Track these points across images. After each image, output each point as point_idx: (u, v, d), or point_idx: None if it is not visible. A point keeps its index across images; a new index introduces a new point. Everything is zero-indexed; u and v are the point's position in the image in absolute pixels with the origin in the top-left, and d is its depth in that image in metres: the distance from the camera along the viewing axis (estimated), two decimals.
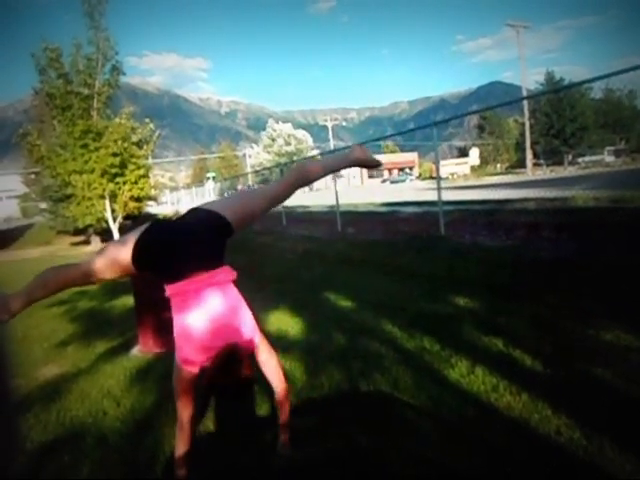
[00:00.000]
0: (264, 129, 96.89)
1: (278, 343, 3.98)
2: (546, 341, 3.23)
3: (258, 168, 74.89)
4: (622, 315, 3.50)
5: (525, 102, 34.03)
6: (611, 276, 4.50)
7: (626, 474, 1.86)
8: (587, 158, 42.56)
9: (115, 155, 10.97)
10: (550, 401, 2.44)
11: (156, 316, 4.26)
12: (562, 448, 2.09)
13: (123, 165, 11.34)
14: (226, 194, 41.18)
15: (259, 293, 6.16)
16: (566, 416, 2.30)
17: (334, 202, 11.52)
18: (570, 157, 44.17)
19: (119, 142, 11.04)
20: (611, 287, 4.20)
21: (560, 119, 43.21)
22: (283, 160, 75.50)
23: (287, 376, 3.23)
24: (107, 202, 11.57)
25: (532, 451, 2.10)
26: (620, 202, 8.02)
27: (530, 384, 2.64)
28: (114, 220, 11.89)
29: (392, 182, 58.17)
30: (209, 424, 2.72)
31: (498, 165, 55.58)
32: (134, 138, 11.97)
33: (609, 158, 40.74)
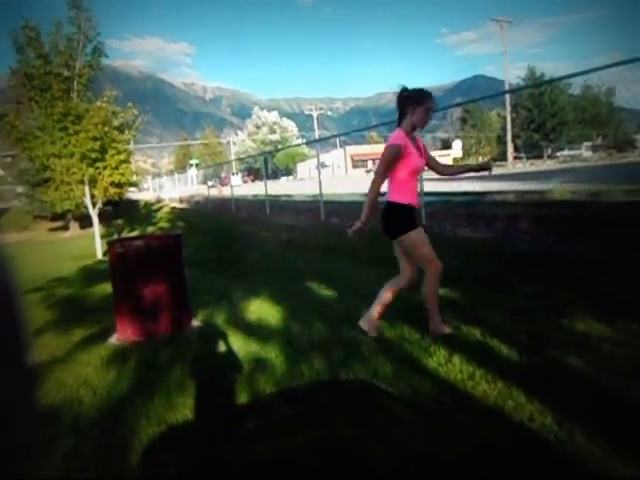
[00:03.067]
0: (249, 116, 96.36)
1: (259, 332, 3.98)
2: (522, 331, 3.30)
3: (242, 156, 74.43)
4: (595, 305, 3.61)
5: (507, 96, 34.38)
6: (585, 268, 4.60)
7: (595, 459, 1.91)
8: (566, 152, 43.20)
9: (95, 139, 10.70)
10: (524, 389, 2.49)
11: (134, 304, 4.22)
12: (535, 434, 2.14)
13: (103, 150, 11.07)
14: (209, 182, 40.83)
15: (241, 282, 6.14)
16: (539, 403, 2.35)
17: (318, 191, 11.48)
18: (549, 151, 44.83)
19: (100, 126, 10.76)
20: (585, 278, 4.31)
21: (541, 114, 43.86)
22: (268, 148, 75.14)
23: (266, 365, 3.24)
24: (86, 187, 11.31)
25: (507, 437, 2.15)
26: (596, 196, 8.15)
27: (505, 372, 2.70)
28: (94, 206, 11.64)
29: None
30: (188, 413, 2.70)
31: (480, 157, 56.05)
32: (115, 122, 11.68)
33: (587, 153, 41.43)
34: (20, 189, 27.82)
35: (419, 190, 7.82)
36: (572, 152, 42.46)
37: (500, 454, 2.04)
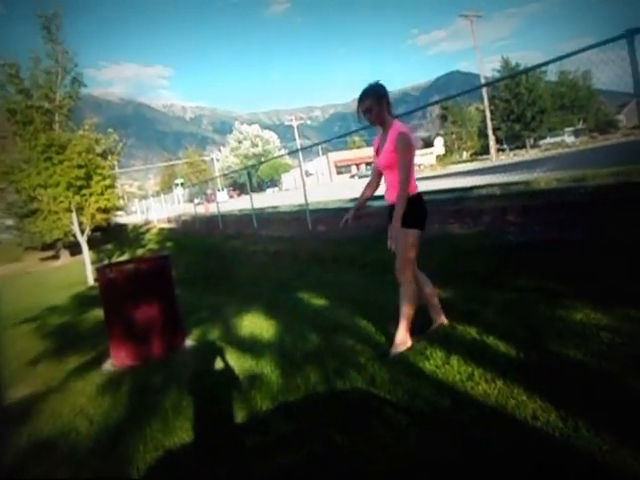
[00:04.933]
0: (230, 132, 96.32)
1: (253, 347, 3.95)
2: (518, 325, 3.25)
3: (226, 172, 74.37)
4: (590, 294, 3.55)
5: (484, 89, 34.54)
6: (576, 255, 4.60)
7: (602, 453, 1.88)
8: (548, 140, 43.35)
9: (80, 167, 10.73)
10: (525, 386, 2.45)
11: (127, 329, 4.18)
12: (539, 431, 2.10)
13: (88, 177, 11.10)
14: (196, 200, 40.71)
15: (232, 297, 6.10)
16: (541, 399, 2.31)
17: (304, 201, 11.48)
18: (532, 140, 45.03)
19: (83, 154, 10.80)
20: (577, 266, 4.28)
21: (519, 104, 44.03)
22: (251, 162, 75.16)
23: (262, 380, 3.21)
24: (74, 215, 11.29)
25: (510, 437, 2.11)
26: (581, 181, 8.21)
27: (504, 370, 2.66)
28: (82, 233, 11.61)
29: (360, 177, 58.41)
30: (186, 436, 2.66)
31: (464, 153, 56.31)
32: (98, 149, 11.71)
33: (569, 139, 41.50)
34: (9, 222, 27.66)
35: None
36: (554, 139, 42.56)
37: (504, 454, 2.01)
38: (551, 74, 45.19)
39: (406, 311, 3.25)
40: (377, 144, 3.41)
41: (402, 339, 3.25)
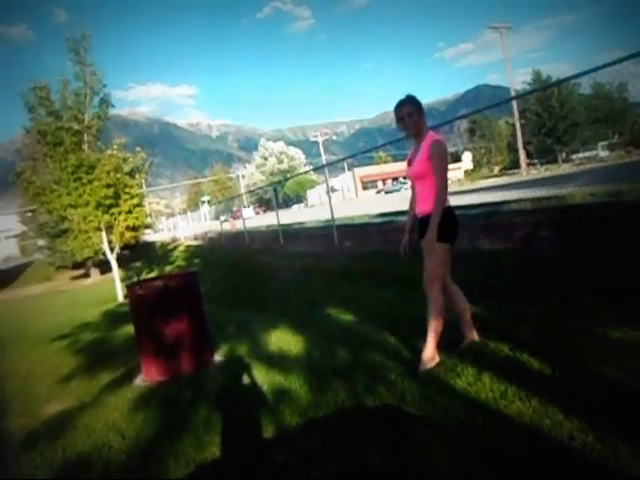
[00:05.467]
0: (256, 149, 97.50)
1: (281, 363, 3.95)
2: (552, 343, 3.17)
3: (252, 188, 75.15)
4: (627, 311, 3.44)
5: (514, 103, 34.10)
6: (612, 271, 4.46)
7: None
8: (581, 154, 42.26)
9: (109, 186, 11.00)
10: (561, 405, 2.38)
11: (157, 344, 4.23)
12: (576, 453, 2.03)
13: (117, 196, 11.37)
14: (222, 217, 41.21)
15: (260, 313, 6.13)
16: (578, 420, 2.23)
17: (330, 216, 11.52)
18: (564, 155, 44.09)
19: (112, 173, 11.08)
20: (614, 282, 4.15)
21: (551, 117, 43.18)
22: (276, 178, 75.83)
23: (291, 396, 3.20)
24: (104, 234, 11.56)
25: (545, 457, 2.05)
26: (617, 196, 8.00)
27: (539, 388, 2.58)
28: (112, 251, 11.86)
29: (386, 192, 58.27)
30: (216, 451, 2.67)
31: (495, 168, 55.45)
32: (126, 168, 11.99)
33: (603, 153, 40.32)
34: (41, 242, 28.52)
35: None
36: (588, 154, 41.52)
37: (539, 476, 1.96)
38: (585, 86, 44.37)
39: (434, 326, 3.19)
40: (410, 155, 3.40)
41: (430, 355, 3.20)
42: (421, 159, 3.18)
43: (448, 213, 3.21)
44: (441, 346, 3.27)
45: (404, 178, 67.48)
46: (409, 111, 3.19)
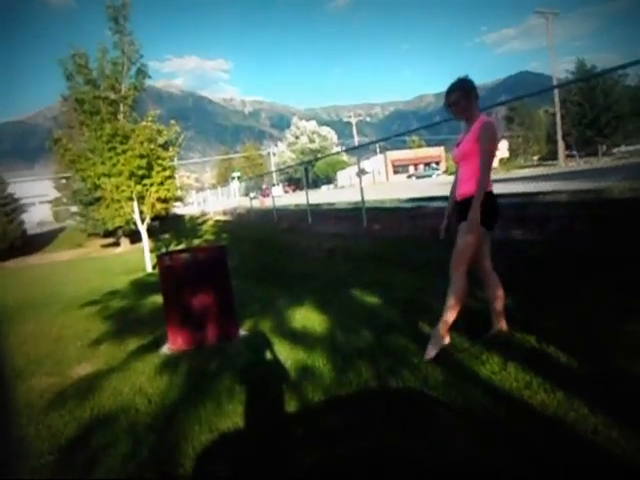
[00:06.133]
0: (288, 127, 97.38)
1: (305, 340, 3.99)
2: (581, 338, 3.12)
3: (282, 166, 75.22)
4: None
5: (555, 92, 33.03)
6: None
7: None
8: (623, 148, 40.95)
9: (142, 157, 11.12)
10: (586, 399, 2.35)
11: (183, 315, 4.32)
12: (599, 447, 2.01)
13: (150, 167, 11.49)
14: (251, 194, 41.45)
15: (285, 290, 6.18)
16: (603, 414, 2.21)
17: (359, 199, 11.46)
18: (605, 147, 42.62)
19: (145, 144, 11.18)
20: None
21: (593, 108, 41.58)
22: (307, 158, 75.68)
23: (314, 373, 3.23)
24: (135, 204, 11.74)
25: (568, 449, 2.04)
26: None
27: (565, 381, 2.55)
28: (142, 221, 12.06)
29: (418, 177, 57.60)
30: (238, 421, 2.73)
31: (535, 157, 53.88)
32: (160, 140, 12.07)
33: None
34: (74, 209, 29.16)
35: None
36: (630, 147, 40.17)
37: (559, 467, 1.95)
38: (632, 78, 42.62)
39: (451, 307, 3.17)
40: (460, 138, 3.34)
41: (441, 334, 3.20)
42: (469, 139, 3.13)
43: (489, 198, 3.16)
44: (465, 332, 3.24)
45: (436, 164, 66.70)
46: (455, 99, 3.16)
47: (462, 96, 3.14)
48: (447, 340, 3.22)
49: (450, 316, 3.19)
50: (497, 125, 3.13)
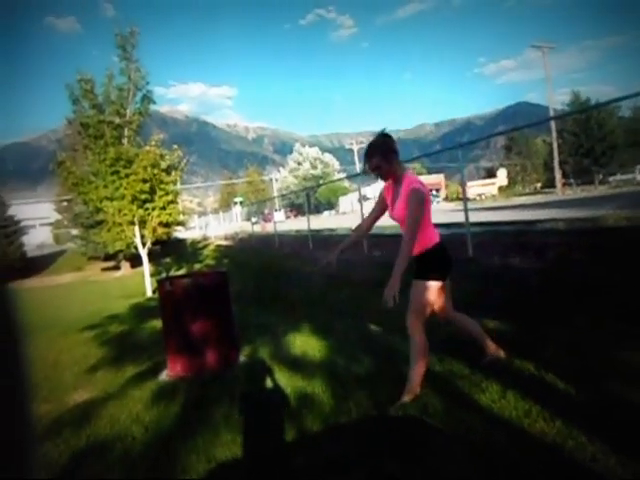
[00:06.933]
0: (291, 153, 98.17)
1: (305, 367, 3.97)
2: (579, 365, 3.12)
3: (284, 192, 75.64)
4: None
5: (552, 122, 33.62)
6: None
7: None
8: (618, 177, 41.68)
9: (145, 181, 11.19)
10: (585, 427, 2.35)
11: (183, 341, 4.30)
12: (597, 475, 2.02)
13: (152, 191, 11.55)
14: (253, 218, 41.62)
15: (285, 317, 6.16)
16: (601, 442, 2.21)
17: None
18: (601, 176, 43.33)
19: (149, 168, 11.26)
20: None
21: (589, 138, 42.60)
22: (309, 184, 76.14)
23: (313, 401, 3.21)
24: (137, 228, 11.78)
25: (567, 478, 2.03)
26: None
27: (564, 409, 2.56)
28: (143, 245, 12.07)
29: None
30: (237, 450, 2.70)
31: (537, 184, 54.34)
32: (163, 164, 12.16)
33: None
34: (75, 232, 29.13)
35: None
36: (625, 176, 40.87)
37: None
38: (625, 109, 43.62)
39: (417, 363, 3.05)
40: (390, 194, 3.24)
41: (413, 386, 3.05)
42: (402, 207, 3.04)
43: (438, 250, 3.10)
44: (464, 358, 3.22)
45: (436, 191, 67.01)
46: (376, 165, 3.06)
47: (382, 161, 3.04)
48: (418, 390, 3.07)
49: (419, 371, 3.07)
50: (422, 185, 3.04)
